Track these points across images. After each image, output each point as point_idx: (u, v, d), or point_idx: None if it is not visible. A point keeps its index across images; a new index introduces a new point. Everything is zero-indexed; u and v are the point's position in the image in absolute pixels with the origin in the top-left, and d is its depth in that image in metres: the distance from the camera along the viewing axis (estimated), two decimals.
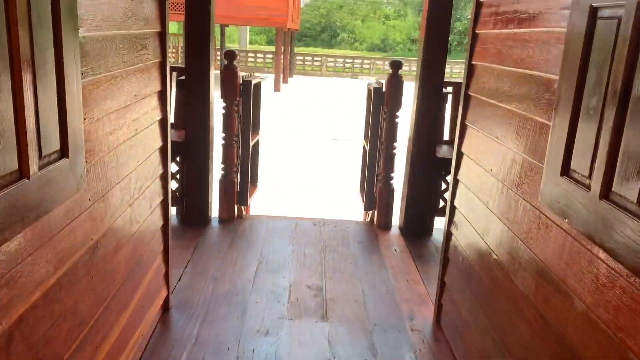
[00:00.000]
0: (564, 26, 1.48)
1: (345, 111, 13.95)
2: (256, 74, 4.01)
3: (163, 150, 2.40)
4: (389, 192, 3.72)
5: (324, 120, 12.42)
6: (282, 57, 19.24)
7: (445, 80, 3.49)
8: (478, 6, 2.27)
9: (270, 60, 25.22)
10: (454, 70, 26.31)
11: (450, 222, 2.54)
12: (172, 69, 3.84)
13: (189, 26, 3.40)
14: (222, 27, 24.83)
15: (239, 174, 3.77)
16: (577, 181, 1.38)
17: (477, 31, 2.28)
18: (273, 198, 6.10)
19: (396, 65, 3.55)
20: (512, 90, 1.87)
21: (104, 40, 1.66)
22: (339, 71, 26.32)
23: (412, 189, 3.65)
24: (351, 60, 26.97)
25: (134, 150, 1.98)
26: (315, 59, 26.66)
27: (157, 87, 2.27)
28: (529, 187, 1.69)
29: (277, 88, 18.06)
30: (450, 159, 3.58)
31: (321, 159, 8.49)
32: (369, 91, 4.01)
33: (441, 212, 3.76)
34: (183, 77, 3.53)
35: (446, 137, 3.89)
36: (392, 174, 3.72)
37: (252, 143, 3.84)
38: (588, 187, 1.31)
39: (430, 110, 3.50)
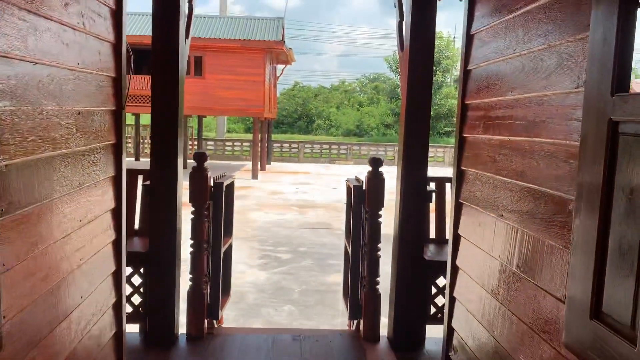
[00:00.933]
0: (574, 140, 1.27)
1: (324, 197, 13.82)
2: (227, 174, 3.78)
3: (116, 275, 2.09)
4: (375, 298, 3.41)
5: (301, 208, 12.19)
6: (259, 145, 19.32)
7: (428, 176, 3.30)
8: (464, 109, 2.10)
9: (248, 148, 25.38)
10: (429, 152, 26.67)
11: (448, 345, 2.23)
12: (138, 172, 3.59)
13: (154, 125, 3.20)
14: (199, 118, 25.14)
15: (209, 284, 3.43)
16: (613, 329, 1.11)
17: (464, 135, 2.10)
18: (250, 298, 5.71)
19: (375, 163, 3.36)
20: (515, 205, 1.65)
21: (36, 164, 1.40)
22: (316, 156, 26.54)
23: (401, 295, 3.34)
24: (328, 146, 27.30)
25: (74, 288, 1.67)
26: (293, 145, 26.94)
27: (110, 204, 2.00)
28: (545, 322, 1.42)
29: (254, 176, 17.96)
30: (439, 262, 3.35)
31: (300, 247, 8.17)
32: (349, 189, 3.80)
33: (433, 320, 3.45)
34: (148, 183, 3.28)
35: (432, 234, 3.67)
36: (377, 279, 3.43)
37: (223, 249, 3.55)
38: (632, 341, 1.04)
39: (414, 210, 3.27)
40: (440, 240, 3.73)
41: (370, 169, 3.41)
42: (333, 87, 55.93)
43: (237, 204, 12.42)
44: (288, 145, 27.14)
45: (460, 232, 2.16)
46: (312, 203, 13.12)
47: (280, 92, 46.02)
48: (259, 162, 19.07)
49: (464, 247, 2.12)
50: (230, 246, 3.84)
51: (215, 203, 3.42)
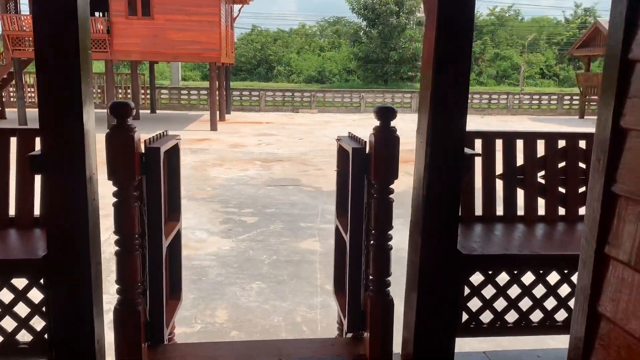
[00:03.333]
0: None
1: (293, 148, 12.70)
2: (171, 134, 2.64)
3: None
4: (385, 305, 2.42)
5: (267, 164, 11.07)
6: (217, 93, 17.86)
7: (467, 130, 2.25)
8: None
9: (206, 97, 23.78)
10: (395, 99, 25.73)
11: None
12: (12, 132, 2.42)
13: (40, 64, 2.01)
14: (151, 64, 23.25)
15: (146, 295, 2.36)
16: None
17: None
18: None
19: (386, 115, 2.29)
20: None
21: None
22: (279, 105, 25.18)
23: (424, 300, 2.36)
24: (291, 94, 25.91)
25: None
26: (253, 93, 25.44)
27: None
28: None
29: (213, 127, 16.61)
30: (481, 256, 2.36)
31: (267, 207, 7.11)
32: (342, 151, 2.73)
33: (465, 331, 2.48)
34: (38, 153, 2.12)
35: (478, 211, 2.71)
36: (387, 278, 2.43)
37: (167, 241, 2.46)
38: None
39: (447, 181, 2.24)
40: (470, 219, 2.73)
41: (378, 123, 2.33)
42: (293, 31, 53.72)
43: (196, 159, 11.25)
44: (248, 93, 25.60)
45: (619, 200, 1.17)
46: (277, 156, 12.00)
47: (238, 37, 43.71)
48: (218, 112, 17.66)
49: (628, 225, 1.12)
50: (178, 234, 2.74)
51: (150, 177, 2.29)
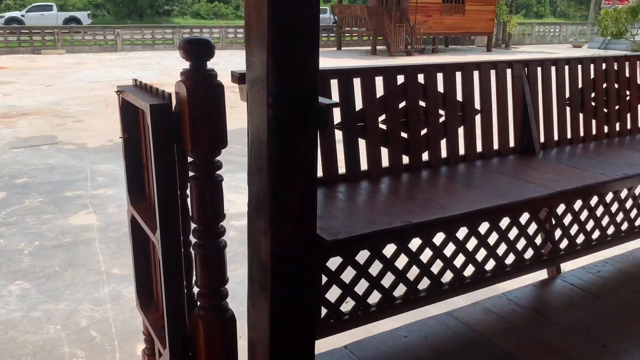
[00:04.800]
0: None
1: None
2: None
3: None
4: (225, 327, 1.71)
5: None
6: None
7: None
8: None
9: None
10: (156, 35, 23.69)
11: None
12: None
13: None
14: None
15: None
16: None
17: None
18: None
19: (199, 52, 1.49)
20: None
21: None
22: (14, 46, 21.14)
23: (275, 304, 1.71)
24: (28, 32, 21.94)
25: None
26: None
27: None
28: None
29: None
30: (348, 239, 1.76)
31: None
32: (128, 109, 1.83)
33: (325, 329, 1.94)
34: None
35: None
36: (224, 288, 1.72)
37: None
38: None
39: (299, 143, 1.56)
40: (332, 180, 2.13)
41: (188, 65, 1.52)
42: None
43: None
44: None
45: None
46: (22, 109, 9.86)
47: None
48: None
49: None
50: None
51: None
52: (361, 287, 2.03)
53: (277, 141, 1.55)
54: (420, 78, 2.46)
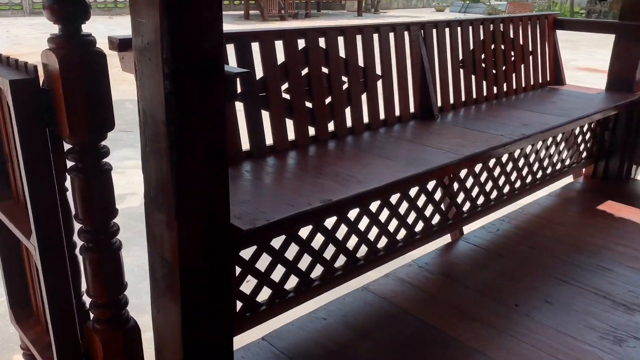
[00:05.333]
0: None
1: None
2: None
3: None
4: (129, 340, 1.45)
5: None
6: None
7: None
8: None
9: None
10: None
11: None
12: None
13: None
14: None
15: None
16: None
17: None
18: None
19: (72, 14, 1.18)
20: None
21: None
22: None
23: (187, 306, 1.49)
24: None
25: None
26: None
27: None
28: None
29: None
30: (267, 225, 1.55)
31: None
32: None
33: (242, 323, 1.76)
34: None
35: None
36: (122, 295, 1.45)
37: None
38: None
39: (203, 119, 1.33)
40: (237, 159, 1.90)
41: (58, 30, 1.21)
42: None
43: None
44: None
45: None
46: None
47: None
48: None
49: None
50: None
51: None
52: (277, 274, 1.86)
53: (178, 118, 1.31)
54: (322, 42, 2.29)
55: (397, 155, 2.15)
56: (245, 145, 2.07)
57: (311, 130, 2.28)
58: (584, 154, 3.55)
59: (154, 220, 1.48)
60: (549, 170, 3.24)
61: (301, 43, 2.22)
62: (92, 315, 1.49)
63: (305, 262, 1.94)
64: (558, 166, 3.32)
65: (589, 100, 3.28)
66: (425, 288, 2.35)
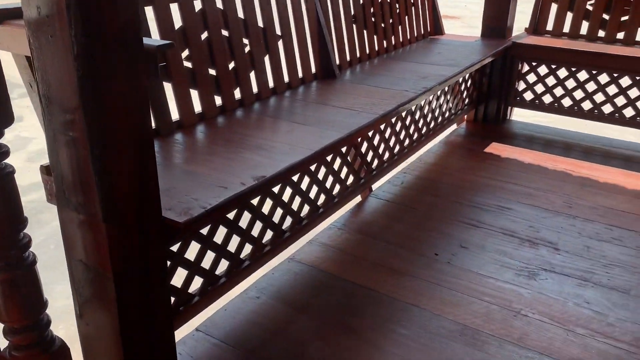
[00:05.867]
0: None
1: None
2: None
3: None
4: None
5: None
6: None
7: None
8: None
9: None
10: None
11: None
12: None
13: None
14: None
15: None
16: None
17: None
18: None
19: None
20: None
21: None
22: None
23: (122, 315, 1.31)
24: None
25: None
26: None
27: None
28: None
29: None
30: (204, 215, 1.39)
31: None
32: None
33: (178, 319, 1.62)
34: None
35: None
36: (43, 314, 1.23)
37: None
38: None
39: (123, 99, 1.13)
40: (168, 132, 1.69)
41: None
42: None
43: None
44: None
45: None
46: None
47: None
48: None
49: None
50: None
51: None
52: (207, 260, 1.72)
53: (96, 104, 1.11)
54: (219, 3, 2.10)
55: (314, 120, 2.07)
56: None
57: (217, 100, 2.12)
58: (467, 101, 3.74)
59: (69, 222, 1.28)
60: (439, 120, 3.37)
61: (197, 5, 2.01)
62: (8, 342, 1.27)
63: (233, 244, 1.82)
64: (447, 115, 3.46)
65: (471, 48, 3.43)
66: (349, 249, 2.34)
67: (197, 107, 2.03)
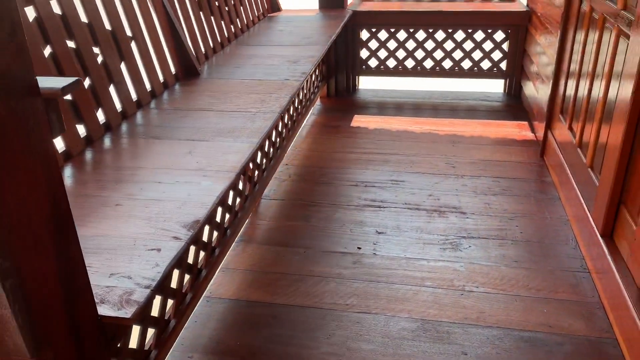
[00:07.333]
0: None
1: None
2: None
3: None
4: None
5: None
6: None
7: None
8: None
9: None
10: None
11: None
12: None
13: None
14: None
15: None
16: None
17: None
18: None
19: None
20: None
21: None
22: None
23: None
24: None
25: None
26: None
27: None
28: None
29: None
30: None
31: None
32: None
33: None
34: None
35: None
36: None
37: None
38: None
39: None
40: None
41: None
42: None
43: None
44: None
45: None
46: None
47: None
48: None
49: None
50: None
51: None
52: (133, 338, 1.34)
53: None
54: (56, 8, 1.63)
55: (211, 133, 1.75)
56: None
57: (81, 129, 1.67)
58: (320, 77, 3.62)
59: None
60: (303, 102, 3.20)
61: (30, 13, 1.53)
62: None
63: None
64: (308, 95, 3.31)
65: (317, 22, 3.28)
66: (263, 268, 2.08)
67: (60, 145, 1.58)
